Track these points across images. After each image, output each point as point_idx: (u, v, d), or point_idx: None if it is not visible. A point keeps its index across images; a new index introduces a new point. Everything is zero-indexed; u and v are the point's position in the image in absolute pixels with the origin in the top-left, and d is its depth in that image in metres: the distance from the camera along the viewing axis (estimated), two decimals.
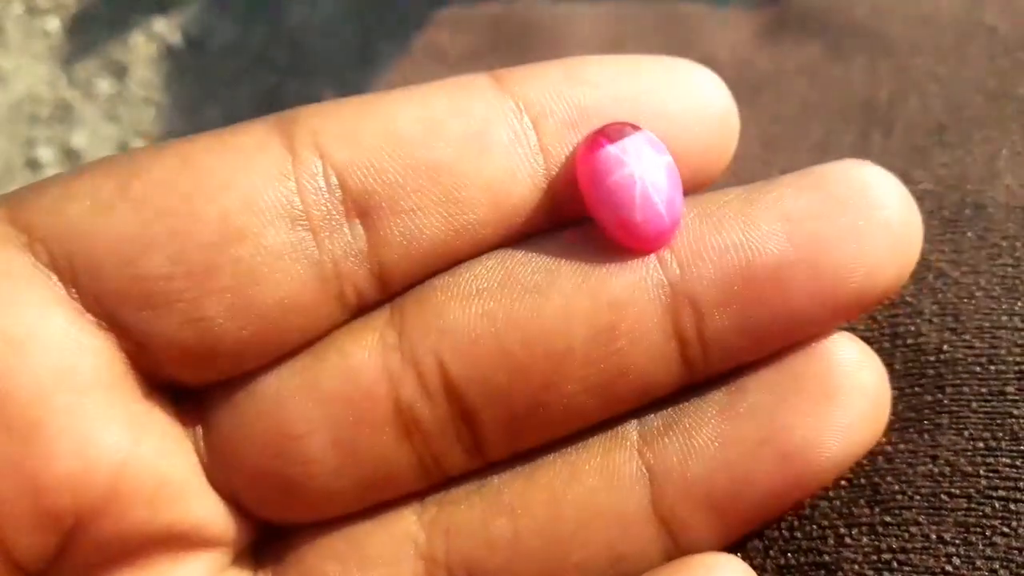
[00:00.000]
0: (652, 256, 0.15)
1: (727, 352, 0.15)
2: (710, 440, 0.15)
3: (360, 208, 0.15)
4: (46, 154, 0.84)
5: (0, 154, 0.84)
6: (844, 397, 0.15)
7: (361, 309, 0.16)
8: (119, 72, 0.87)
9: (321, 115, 0.15)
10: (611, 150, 0.15)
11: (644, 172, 0.15)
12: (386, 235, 0.15)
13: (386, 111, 0.15)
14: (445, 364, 0.15)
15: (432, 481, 0.16)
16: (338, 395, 0.15)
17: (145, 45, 0.88)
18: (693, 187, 0.16)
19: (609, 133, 0.15)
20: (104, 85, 0.87)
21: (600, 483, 0.15)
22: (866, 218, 0.15)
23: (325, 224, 0.15)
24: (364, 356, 0.15)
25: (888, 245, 0.15)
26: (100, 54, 0.88)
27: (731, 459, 0.15)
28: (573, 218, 0.16)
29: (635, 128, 0.15)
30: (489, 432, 0.15)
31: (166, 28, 0.88)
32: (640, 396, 0.15)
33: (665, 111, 0.16)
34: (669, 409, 0.16)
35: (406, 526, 0.16)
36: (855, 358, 0.16)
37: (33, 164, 0.84)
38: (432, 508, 0.16)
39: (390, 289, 0.16)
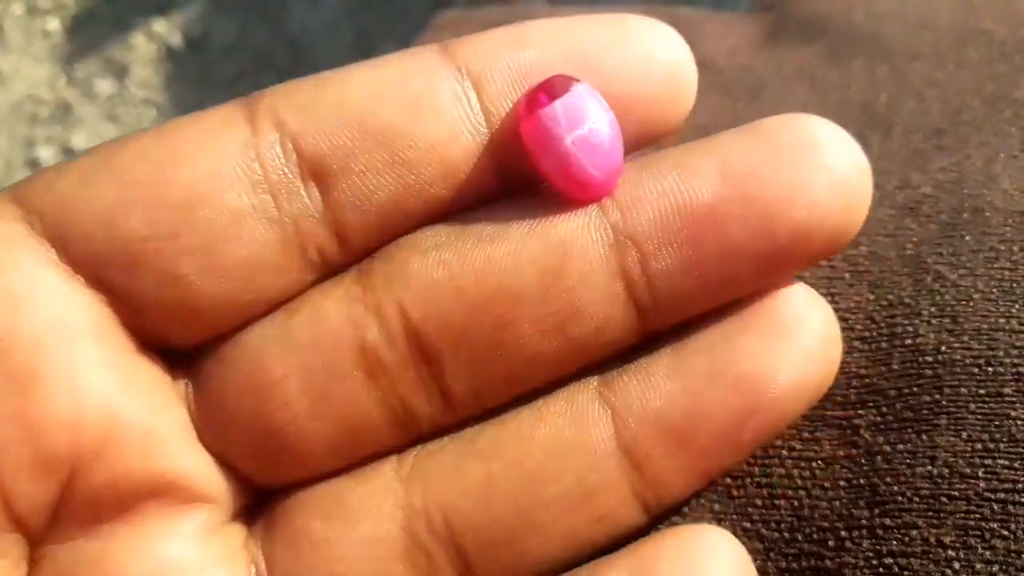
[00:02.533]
0: (595, 205, 0.16)
1: (676, 294, 0.16)
2: (665, 374, 0.16)
3: (315, 171, 0.16)
4: (46, 154, 0.84)
5: (0, 154, 0.84)
6: (792, 331, 0.16)
7: (328, 268, 0.17)
8: (119, 72, 0.87)
9: (282, 92, 0.16)
10: (551, 110, 0.16)
11: (585, 129, 0.16)
12: (340, 196, 0.16)
13: (339, 82, 0.16)
14: (405, 308, 0.16)
15: (406, 432, 0.17)
16: (309, 342, 0.16)
17: (145, 46, 0.88)
18: (647, 139, 0.17)
19: (548, 88, 0.16)
20: (104, 85, 0.87)
21: (565, 422, 0.16)
22: (803, 157, 0.15)
23: (283, 187, 0.16)
24: (331, 306, 0.16)
25: (828, 183, 0.15)
26: (100, 54, 0.88)
27: (686, 389, 0.16)
28: (519, 173, 0.17)
29: (574, 80, 0.16)
30: (452, 374, 0.16)
31: (166, 29, 0.88)
32: (595, 339, 0.16)
33: (609, 66, 0.16)
34: (627, 357, 0.17)
35: (385, 480, 0.17)
36: (802, 298, 0.16)
37: (33, 164, 0.84)
38: (408, 460, 0.17)
39: (352, 247, 0.17)
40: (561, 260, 0.16)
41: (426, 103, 0.16)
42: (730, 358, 0.16)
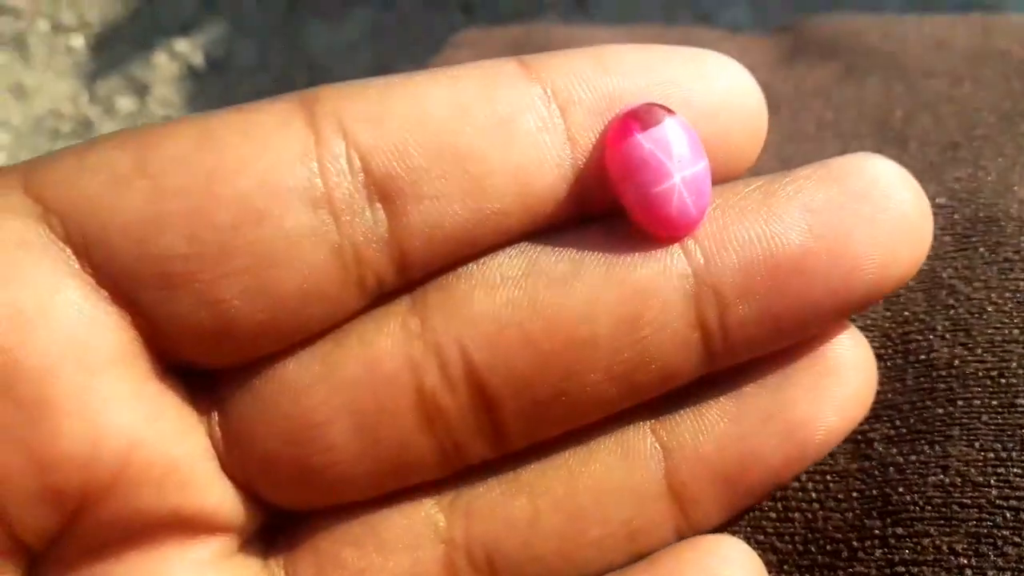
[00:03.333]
0: (676, 246, 0.15)
1: (748, 342, 0.15)
2: (719, 417, 0.16)
3: (383, 192, 0.15)
4: None
5: None
6: (841, 372, 0.16)
7: (381, 295, 0.15)
8: (140, 90, 0.88)
9: (345, 95, 0.15)
10: (644, 139, 0.15)
11: (677, 163, 0.15)
12: (408, 221, 0.15)
13: (412, 93, 0.15)
14: (468, 352, 0.15)
15: (452, 470, 0.16)
16: (360, 383, 0.15)
17: (167, 65, 0.89)
18: (721, 179, 0.16)
19: (641, 116, 0.15)
20: (125, 103, 0.88)
21: (616, 460, 0.16)
22: (882, 209, 0.15)
23: (347, 208, 0.14)
24: (387, 344, 0.15)
25: (902, 235, 0.15)
26: (122, 72, 0.89)
27: (740, 434, 0.16)
28: (600, 208, 0.15)
29: (668, 112, 0.15)
30: (511, 421, 0.15)
31: (188, 48, 0.89)
32: (660, 385, 0.16)
33: (695, 102, 0.15)
34: (678, 390, 0.16)
35: (425, 509, 0.16)
36: (847, 336, 0.16)
37: None
38: (450, 492, 0.16)
39: (410, 275, 0.15)
40: (639, 309, 0.15)
41: (511, 127, 0.15)
42: (783, 404, 0.16)
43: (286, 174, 0.14)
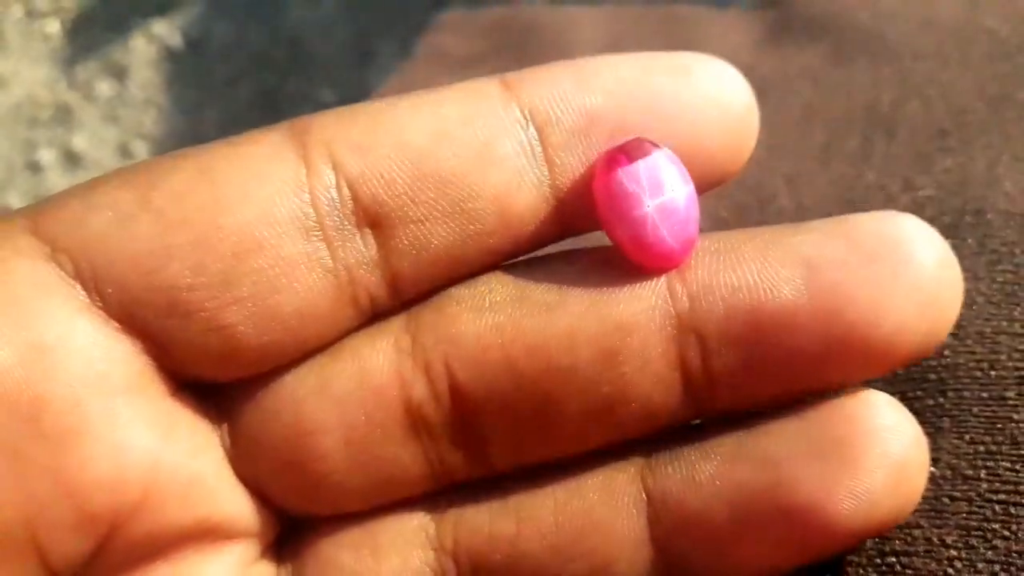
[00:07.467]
0: (663, 285, 0.15)
1: (736, 390, 0.15)
2: (712, 477, 0.15)
3: (371, 218, 0.15)
4: (47, 156, 0.84)
5: (0, 157, 0.84)
6: (863, 462, 0.14)
7: (376, 314, 0.16)
8: (119, 74, 0.87)
9: (334, 124, 0.16)
10: (631, 171, 0.15)
11: (664, 196, 0.15)
12: (396, 244, 0.15)
13: (397, 121, 0.15)
14: (453, 370, 0.16)
15: (440, 484, 0.16)
16: (351, 395, 0.16)
17: (145, 47, 0.88)
18: (707, 186, 0.16)
19: (628, 150, 0.15)
20: (104, 87, 0.87)
21: (600, 499, 0.16)
22: (894, 272, 0.14)
23: (338, 234, 0.15)
24: (378, 359, 0.16)
25: (918, 302, 0.14)
26: (100, 56, 0.88)
27: (730, 501, 0.15)
28: (583, 228, 0.16)
29: (654, 146, 0.15)
30: (492, 438, 0.16)
31: (166, 30, 0.88)
32: (643, 424, 0.16)
33: (676, 112, 0.15)
34: (679, 440, 0.16)
35: (417, 518, 0.16)
36: (886, 423, 0.15)
37: (34, 167, 0.84)
38: (442, 504, 0.17)
39: (403, 295, 0.16)
40: (619, 345, 0.15)
41: (489, 151, 0.15)
42: (783, 481, 0.15)
43: (282, 205, 0.15)
